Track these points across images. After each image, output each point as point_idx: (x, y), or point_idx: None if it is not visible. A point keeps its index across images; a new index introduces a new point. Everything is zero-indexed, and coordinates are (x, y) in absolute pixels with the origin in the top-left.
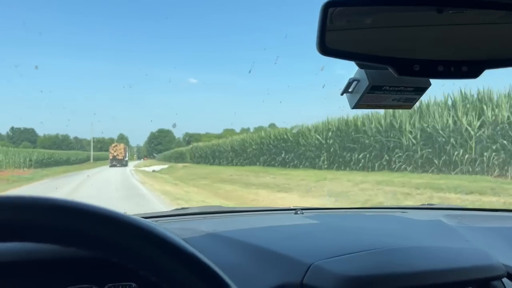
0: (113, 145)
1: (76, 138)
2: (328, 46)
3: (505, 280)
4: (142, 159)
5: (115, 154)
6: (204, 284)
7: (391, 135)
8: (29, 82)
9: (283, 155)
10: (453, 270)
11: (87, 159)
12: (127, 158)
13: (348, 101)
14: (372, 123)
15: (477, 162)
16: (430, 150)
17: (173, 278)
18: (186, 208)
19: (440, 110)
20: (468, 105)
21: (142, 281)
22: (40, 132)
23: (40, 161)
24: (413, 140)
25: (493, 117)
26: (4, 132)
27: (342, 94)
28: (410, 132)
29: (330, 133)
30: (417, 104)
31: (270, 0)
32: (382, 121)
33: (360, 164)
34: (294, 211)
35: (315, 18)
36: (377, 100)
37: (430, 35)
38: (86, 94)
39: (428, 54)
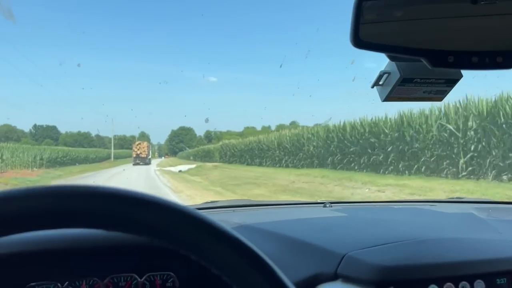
0: (137, 143)
1: (97, 135)
2: (361, 39)
3: None
4: (163, 157)
5: (138, 152)
6: (258, 273)
7: None
8: (52, 79)
9: (371, 155)
10: (486, 261)
11: (107, 157)
12: (150, 156)
13: (379, 94)
14: None
15: None
16: None
17: (228, 267)
18: (216, 201)
19: None
20: None
21: (180, 271)
22: (62, 129)
23: (54, 159)
24: None
25: None
26: (27, 130)
27: (372, 87)
28: None
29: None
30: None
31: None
32: None
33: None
34: (322, 204)
35: (342, 12)
36: (408, 93)
37: (464, 26)
38: (109, 92)
39: (462, 45)
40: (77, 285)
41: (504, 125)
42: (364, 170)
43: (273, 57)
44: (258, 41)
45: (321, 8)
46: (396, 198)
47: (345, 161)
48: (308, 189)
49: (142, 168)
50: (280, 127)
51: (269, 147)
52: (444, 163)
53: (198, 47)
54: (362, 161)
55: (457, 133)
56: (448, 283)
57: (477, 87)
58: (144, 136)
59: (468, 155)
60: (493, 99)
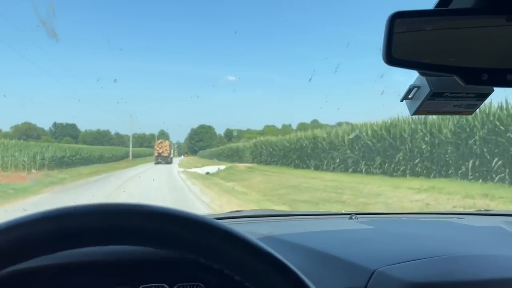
0: (159, 141)
1: (117, 133)
2: (394, 57)
3: None
4: (182, 156)
5: (160, 151)
6: (287, 284)
7: None
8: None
9: None
10: None
11: (125, 156)
12: (172, 155)
13: (408, 107)
14: None
15: None
16: None
17: (257, 277)
18: (240, 211)
19: None
20: None
21: (209, 282)
22: (82, 127)
23: (59, 159)
24: None
25: None
26: (47, 128)
27: (402, 101)
28: None
29: None
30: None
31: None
32: None
33: None
34: (348, 216)
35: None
36: (437, 107)
37: (499, 44)
38: (129, 90)
39: (496, 63)
40: None
41: None
42: None
43: (295, 57)
44: (280, 41)
45: (353, 22)
46: None
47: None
48: None
49: (163, 169)
50: (302, 125)
51: (332, 145)
52: None
53: (218, 47)
54: None
55: None
56: None
57: None
58: (163, 135)
59: None
60: None
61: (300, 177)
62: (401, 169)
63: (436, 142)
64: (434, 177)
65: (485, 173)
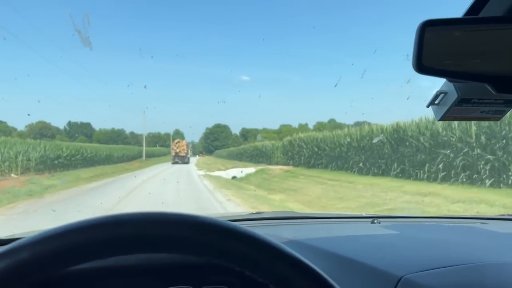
0: (176, 141)
1: (132, 133)
2: (424, 65)
3: None
4: (197, 155)
5: (177, 151)
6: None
7: None
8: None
9: None
10: None
11: (138, 155)
12: (189, 155)
13: (434, 113)
14: None
15: None
16: None
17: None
18: (261, 212)
19: None
20: None
21: (234, 284)
22: (97, 126)
23: (51, 160)
24: None
25: None
26: (62, 127)
27: (428, 106)
28: None
29: None
30: None
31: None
32: None
33: None
34: (370, 220)
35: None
36: (464, 113)
37: None
38: (145, 90)
39: None
40: None
41: None
42: None
43: (311, 58)
44: (296, 42)
45: (380, 28)
46: None
47: None
48: None
49: (181, 172)
50: (320, 125)
51: (441, 142)
52: None
53: (237, 48)
54: None
55: None
56: None
57: None
58: (178, 134)
59: None
60: None
61: (390, 190)
62: None
63: None
64: None
65: None
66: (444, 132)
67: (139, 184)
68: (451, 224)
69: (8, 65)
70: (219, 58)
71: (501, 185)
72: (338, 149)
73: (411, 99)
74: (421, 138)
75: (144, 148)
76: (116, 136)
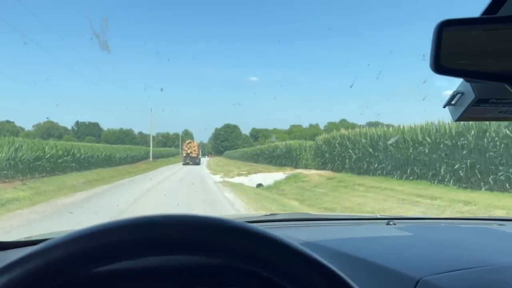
0: (187, 142)
1: (140, 133)
2: (442, 65)
3: None
4: (206, 156)
5: (189, 151)
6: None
7: None
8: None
9: None
10: None
11: (145, 156)
12: (200, 156)
13: (451, 113)
14: None
15: None
16: None
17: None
18: (276, 214)
19: None
20: None
21: (250, 286)
22: (105, 126)
23: (31, 162)
24: None
25: None
26: (69, 127)
27: (444, 107)
28: None
29: None
30: None
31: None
32: None
33: None
34: (385, 221)
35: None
36: (482, 113)
37: None
38: (154, 91)
39: None
40: None
41: None
42: None
43: (327, 59)
44: (306, 43)
45: (396, 28)
46: None
47: None
48: None
49: (192, 177)
50: (332, 125)
51: None
52: None
53: (249, 50)
54: None
55: None
56: None
57: None
58: (187, 135)
59: None
60: None
61: None
62: None
63: None
64: None
65: None
66: None
67: (140, 195)
68: (467, 226)
69: (28, 69)
70: (232, 61)
71: None
72: (412, 149)
73: (427, 99)
74: None
75: (151, 148)
76: (124, 136)
